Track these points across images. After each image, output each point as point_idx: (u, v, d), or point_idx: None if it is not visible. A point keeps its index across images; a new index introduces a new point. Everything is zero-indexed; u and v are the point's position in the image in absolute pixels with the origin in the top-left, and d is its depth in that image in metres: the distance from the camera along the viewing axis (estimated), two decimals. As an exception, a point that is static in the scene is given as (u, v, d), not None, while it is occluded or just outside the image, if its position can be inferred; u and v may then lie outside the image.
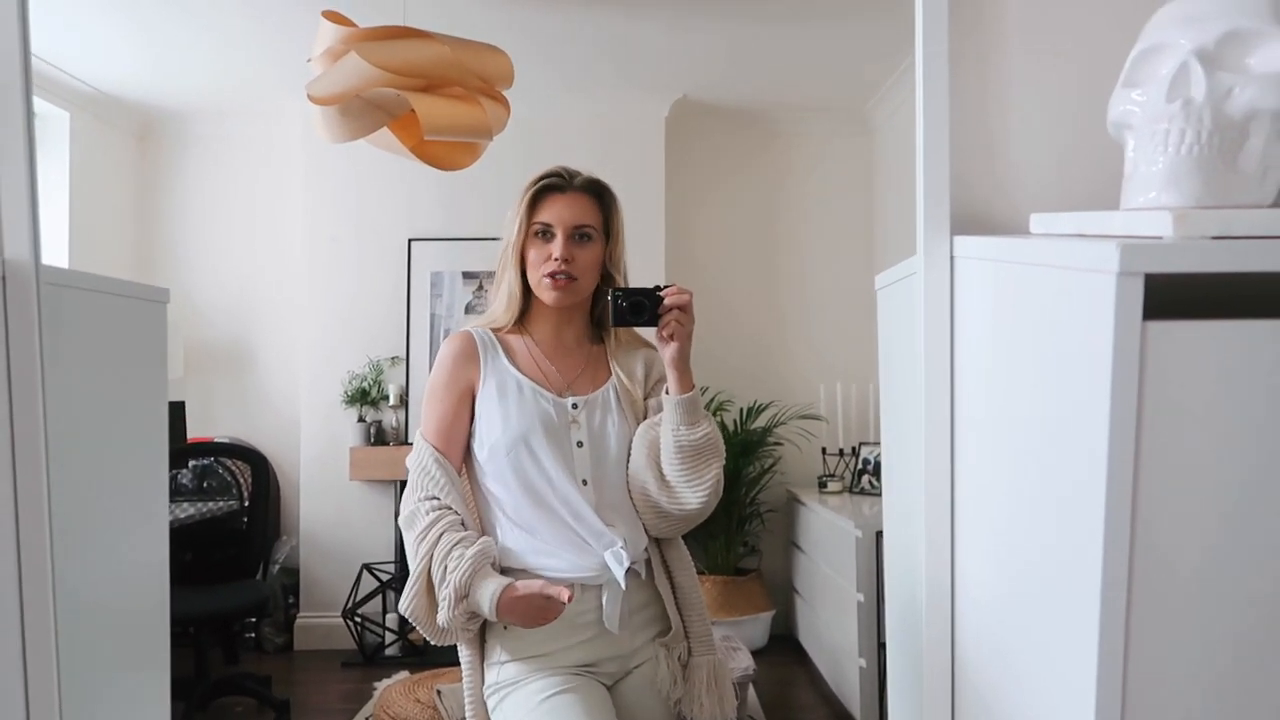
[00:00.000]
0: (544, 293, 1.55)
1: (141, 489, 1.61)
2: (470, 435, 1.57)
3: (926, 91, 1.04)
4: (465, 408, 1.57)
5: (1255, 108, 0.82)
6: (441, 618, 1.44)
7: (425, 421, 1.59)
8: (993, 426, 0.99)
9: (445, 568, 1.43)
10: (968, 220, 1.08)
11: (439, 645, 1.52)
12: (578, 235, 1.55)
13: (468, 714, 1.55)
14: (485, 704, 1.52)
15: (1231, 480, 0.75)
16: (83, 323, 1.38)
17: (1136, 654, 0.77)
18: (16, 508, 1.15)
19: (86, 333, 1.40)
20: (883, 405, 1.55)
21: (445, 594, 1.43)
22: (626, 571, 1.49)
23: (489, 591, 1.41)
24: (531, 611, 1.41)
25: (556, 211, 1.55)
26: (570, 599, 1.40)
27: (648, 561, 1.56)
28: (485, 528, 1.55)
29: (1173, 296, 0.76)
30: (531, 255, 1.55)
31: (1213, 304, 0.80)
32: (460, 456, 1.57)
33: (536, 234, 1.55)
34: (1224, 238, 0.75)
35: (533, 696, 1.45)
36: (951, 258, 1.04)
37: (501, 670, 1.50)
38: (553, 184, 1.58)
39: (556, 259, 1.52)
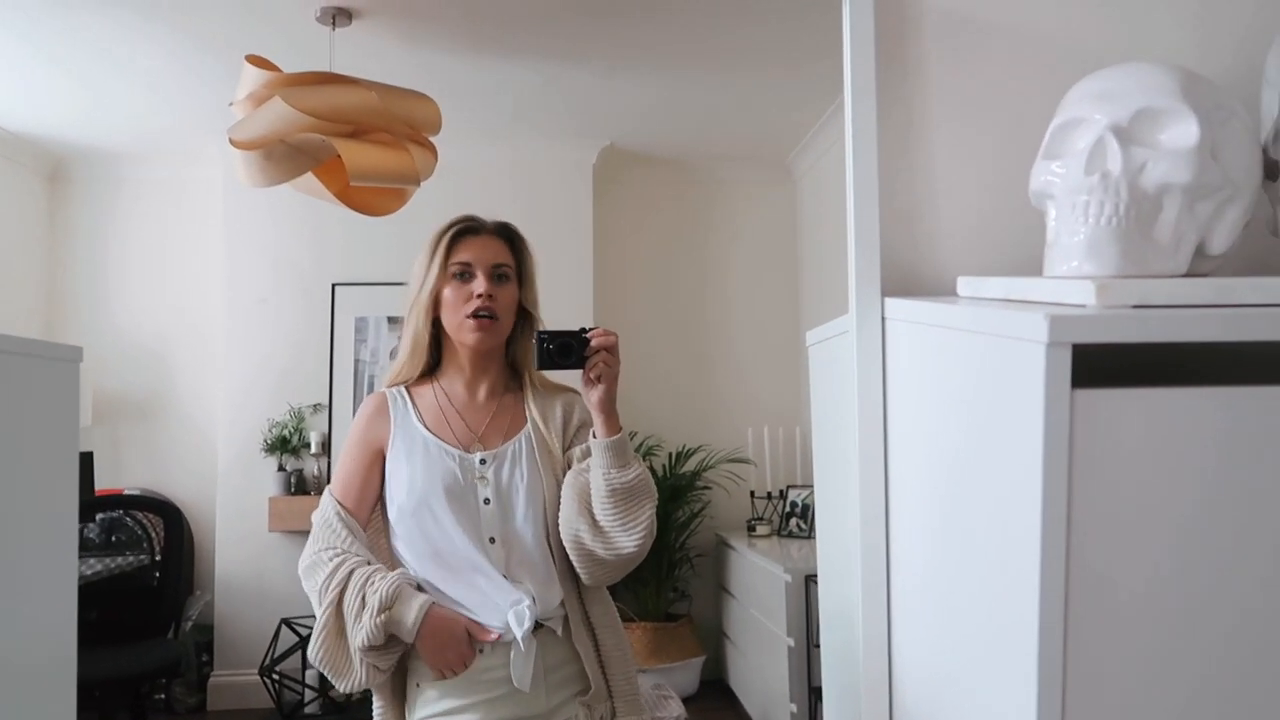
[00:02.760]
0: (466, 334, 1.54)
1: (47, 551, 1.53)
2: (381, 496, 1.56)
3: (856, 159, 1.07)
4: (375, 468, 1.56)
5: (1167, 182, 0.86)
6: (360, 636, 1.40)
7: (335, 478, 1.58)
8: (926, 483, 1.01)
9: (364, 594, 1.41)
10: (898, 280, 1.11)
11: (349, 692, 1.49)
12: (497, 275, 1.55)
13: None
14: None
15: (1161, 540, 0.78)
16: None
17: (1073, 712, 0.78)
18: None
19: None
20: (815, 456, 1.57)
21: (370, 605, 1.40)
22: (541, 628, 1.48)
23: (416, 604, 1.41)
24: (452, 643, 1.41)
25: (475, 251, 1.56)
26: (497, 639, 1.42)
27: (565, 619, 1.53)
28: None
29: (1093, 359, 0.79)
30: (449, 297, 1.54)
31: (1130, 366, 0.84)
32: (367, 515, 1.55)
33: (455, 275, 1.55)
34: (1143, 306, 0.79)
35: None
36: (883, 319, 1.07)
37: None
38: (467, 227, 1.59)
39: (480, 296, 1.52)
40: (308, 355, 4.40)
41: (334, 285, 4.41)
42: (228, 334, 4.40)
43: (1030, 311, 0.76)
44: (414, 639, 1.41)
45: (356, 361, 4.40)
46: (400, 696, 1.52)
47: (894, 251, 1.10)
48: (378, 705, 1.52)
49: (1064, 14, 1.15)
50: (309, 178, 3.13)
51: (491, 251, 1.57)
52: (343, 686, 1.46)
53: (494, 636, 1.42)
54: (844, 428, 1.21)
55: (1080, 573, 0.74)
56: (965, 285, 1.01)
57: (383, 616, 1.40)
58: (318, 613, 1.45)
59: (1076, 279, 0.85)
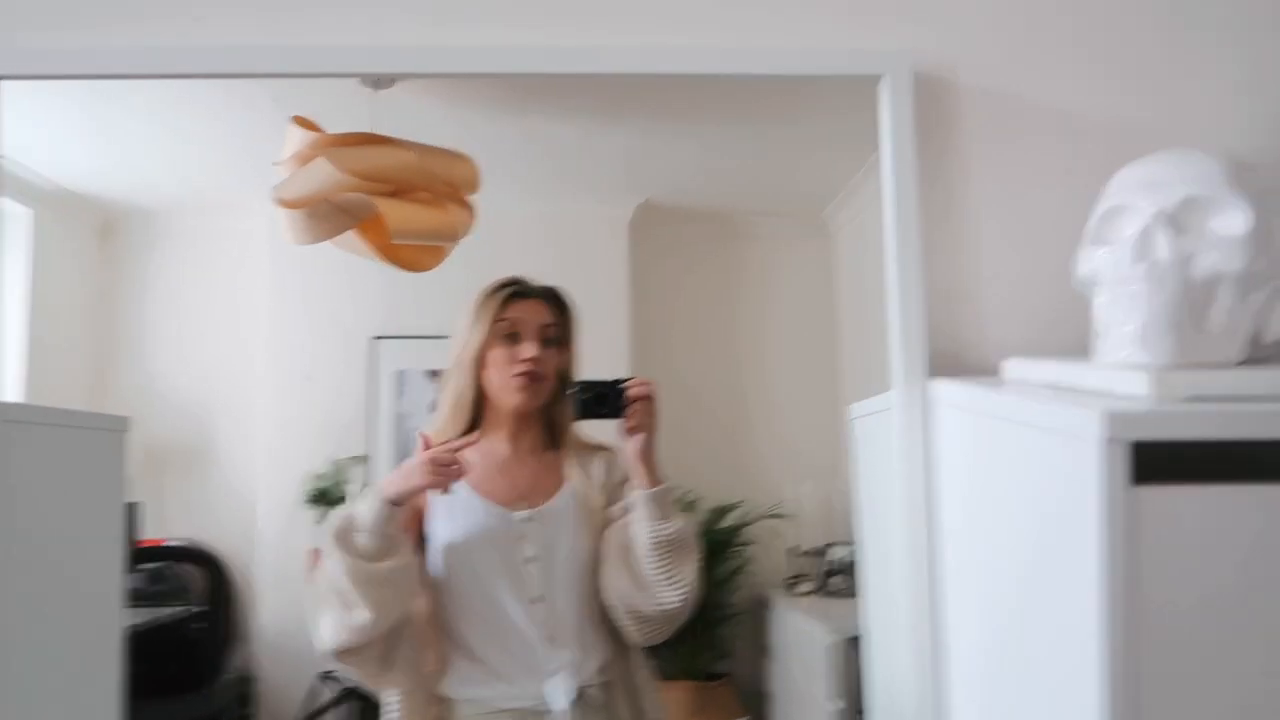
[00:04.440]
0: (511, 395, 1.54)
1: (94, 616, 1.55)
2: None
3: (899, 241, 1.07)
4: (412, 527, 1.53)
5: (1218, 270, 0.85)
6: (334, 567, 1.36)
7: None
8: (977, 574, 0.99)
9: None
10: (942, 360, 1.10)
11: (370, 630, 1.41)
12: (545, 339, 1.56)
13: None
14: None
15: (1226, 638, 0.75)
16: (38, 455, 1.34)
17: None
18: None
19: (42, 464, 1.36)
20: (860, 531, 1.54)
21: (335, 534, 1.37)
22: (581, 696, 1.46)
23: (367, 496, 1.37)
24: (410, 466, 1.38)
25: (523, 311, 1.58)
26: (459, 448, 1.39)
27: (607, 684, 1.51)
28: (440, 650, 1.50)
29: (1146, 448, 0.77)
30: (496, 357, 1.55)
31: (1178, 457, 0.81)
32: None
33: (502, 336, 1.55)
34: (1198, 399, 0.77)
35: None
36: (926, 399, 1.06)
37: None
38: (517, 290, 1.60)
39: (527, 358, 1.53)
40: (348, 408, 4.43)
41: (374, 339, 4.46)
42: (270, 387, 4.45)
43: (1083, 406, 0.75)
44: (380, 502, 1.37)
45: (396, 414, 4.44)
46: None
47: (938, 331, 1.09)
48: None
49: (1105, 94, 1.15)
50: (351, 235, 3.19)
51: (540, 314, 1.59)
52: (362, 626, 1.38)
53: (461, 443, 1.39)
54: (889, 503, 1.19)
55: (1148, 681, 0.71)
56: (1013, 368, 1.00)
57: (349, 547, 1.36)
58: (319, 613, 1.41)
59: (1128, 369, 0.83)
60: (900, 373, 1.08)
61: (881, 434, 1.26)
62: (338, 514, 1.41)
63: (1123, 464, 0.72)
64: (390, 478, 1.41)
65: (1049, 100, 1.15)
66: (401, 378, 4.45)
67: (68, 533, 1.47)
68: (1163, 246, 0.86)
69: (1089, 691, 0.74)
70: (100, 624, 1.57)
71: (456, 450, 1.40)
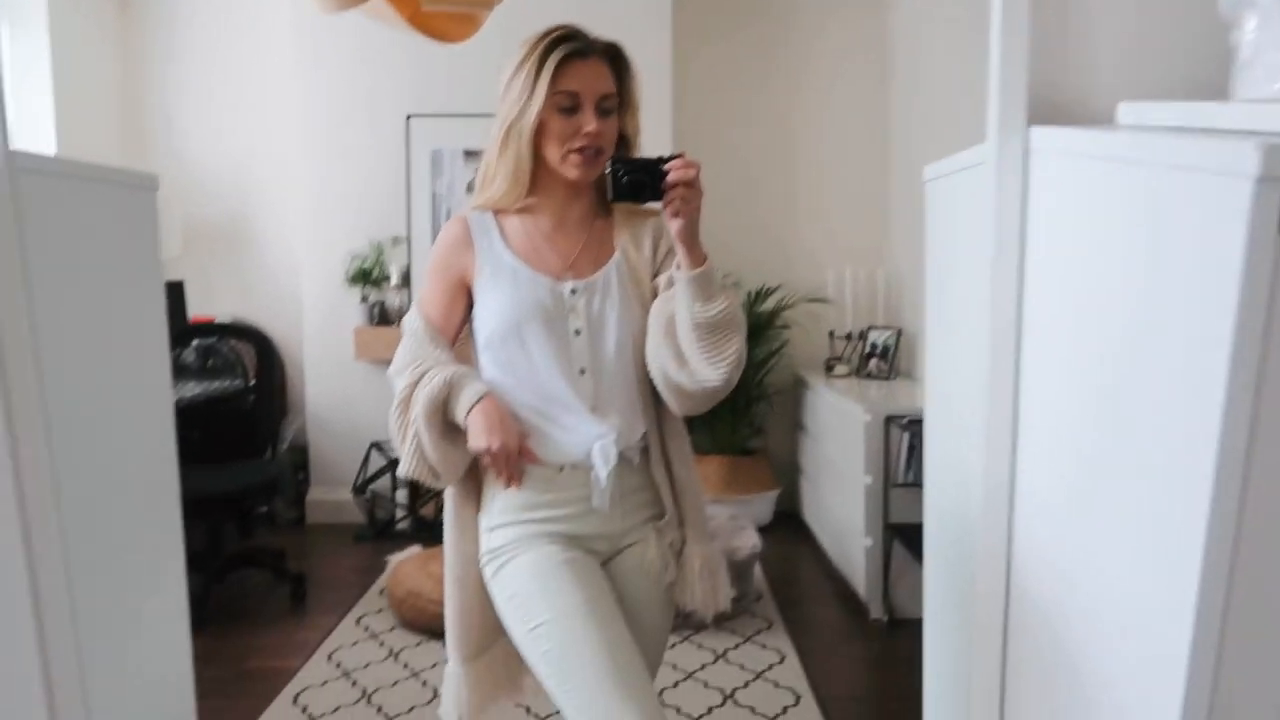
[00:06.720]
0: (569, 169, 1.45)
1: (141, 374, 1.54)
2: (467, 323, 1.53)
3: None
4: (460, 296, 1.52)
5: (1405, -15, 0.72)
6: (421, 399, 1.41)
7: (421, 297, 1.54)
8: (1070, 336, 0.92)
9: (432, 376, 1.42)
10: (1042, 108, 0.99)
11: (439, 486, 1.51)
12: (603, 110, 1.45)
13: (449, 577, 1.55)
14: (480, 570, 1.52)
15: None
16: (67, 211, 1.29)
17: (1236, 614, 0.70)
18: (9, 400, 1.10)
19: (72, 221, 1.31)
20: (929, 295, 1.46)
21: (435, 379, 1.41)
22: (620, 457, 1.47)
23: (477, 385, 1.41)
24: (502, 424, 1.40)
25: (582, 80, 1.44)
26: (532, 458, 1.43)
27: (644, 449, 1.53)
28: None
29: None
30: (554, 129, 1.44)
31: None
32: (453, 335, 1.53)
33: (560, 107, 1.45)
34: (1364, 136, 0.67)
35: (530, 566, 1.45)
36: (1026, 151, 0.95)
37: (492, 537, 1.49)
38: (575, 49, 1.46)
39: (588, 133, 1.43)
40: (384, 188, 4.36)
41: (408, 117, 4.31)
42: (304, 167, 4.38)
43: (1234, 140, 0.65)
44: (466, 414, 1.39)
45: (434, 195, 4.36)
46: (474, 502, 1.54)
47: (1042, 74, 0.97)
48: (448, 509, 1.55)
49: None
50: (380, 3, 2.99)
51: (600, 80, 1.45)
52: (436, 481, 1.49)
53: (536, 460, 1.44)
54: (968, 268, 1.12)
55: (1267, 455, 0.66)
56: (1128, 112, 0.89)
57: (444, 389, 1.40)
58: (395, 424, 1.45)
59: (1280, 103, 0.73)
60: (997, 119, 0.97)
61: (960, 196, 1.17)
62: (434, 382, 1.41)
63: (1275, 206, 0.62)
64: (477, 425, 1.39)
65: None
66: (437, 157, 4.34)
67: (108, 288, 1.43)
68: (1341, -44, 0.73)
69: (1203, 455, 0.69)
70: (151, 386, 1.58)
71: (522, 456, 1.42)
